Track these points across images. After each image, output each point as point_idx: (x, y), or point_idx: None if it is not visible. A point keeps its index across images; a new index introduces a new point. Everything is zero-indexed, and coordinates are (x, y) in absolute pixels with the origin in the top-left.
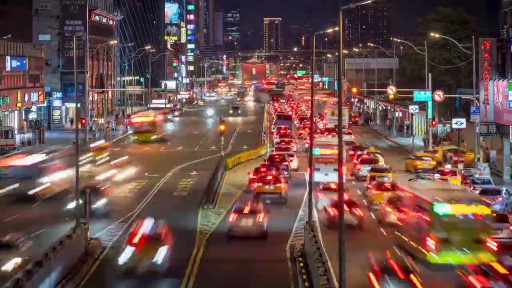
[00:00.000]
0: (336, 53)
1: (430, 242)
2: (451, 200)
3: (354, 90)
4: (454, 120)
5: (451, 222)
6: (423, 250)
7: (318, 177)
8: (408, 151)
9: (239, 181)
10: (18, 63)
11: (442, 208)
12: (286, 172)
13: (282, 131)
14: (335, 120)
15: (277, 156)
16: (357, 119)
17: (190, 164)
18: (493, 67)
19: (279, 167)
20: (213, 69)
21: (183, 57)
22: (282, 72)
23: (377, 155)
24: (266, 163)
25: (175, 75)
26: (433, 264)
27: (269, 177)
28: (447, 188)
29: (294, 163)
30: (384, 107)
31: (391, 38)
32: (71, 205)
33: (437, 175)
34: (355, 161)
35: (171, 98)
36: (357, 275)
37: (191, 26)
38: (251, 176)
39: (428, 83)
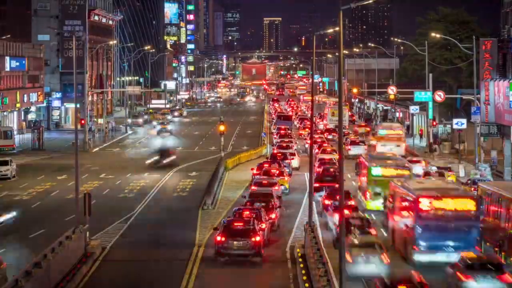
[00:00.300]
0: (337, 53)
1: (367, 194)
2: (382, 165)
3: (355, 90)
4: (455, 121)
5: (381, 180)
6: (364, 200)
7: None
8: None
9: (239, 182)
10: (17, 63)
11: (376, 171)
12: (288, 170)
13: (282, 132)
14: (336, 121)
15: (279, 154)
16: (353, 118)
17: (190, 164)
18: (494, 68)
19: (281, 164)
20: (213, 70)
21: (182, 57)
22: (282, 72)
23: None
24: (269, 160)
25: (175, 75)
26: (368, 210)
27: (273, 170)
28: (385, 157)
29: (295, 162)
30: (384, 108)
31: (392, 38)
32: None
33: (434, 168)
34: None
35: (172, 98)
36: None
37: (190, 26)
38: (254, 171)
39: (429, 84)
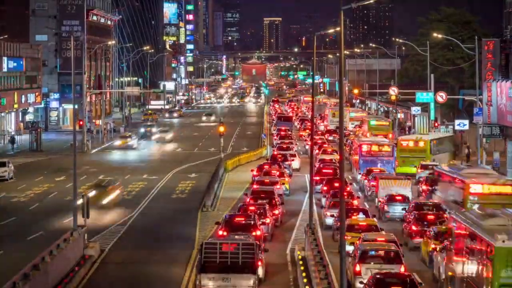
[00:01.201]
0: (337, 54)
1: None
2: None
3: (356, 91)
4: (457, 122)
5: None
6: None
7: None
8: None
9: (239, 183)
10: (15, 64)
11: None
12: (288, 171)
13: (282, 133)
14: (336, 122)
15: (280, 156)
16: None
17: (189, 166)
18: (496, 68)
19: (281, 166)
20: (213, 70)
21: (182, 58)
22: (282, 73)
23: None
24: (269, 161)
25: (174, 76)
26: None
27: (273, 171)
28: (378, 117)
29: (295, 163)
30: (386, 109)
31: (393, 39)
32: None
33: None
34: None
35: (169, 99)
36: None
37: (190, 26)
38: (254, 173)
39: (431, 84)
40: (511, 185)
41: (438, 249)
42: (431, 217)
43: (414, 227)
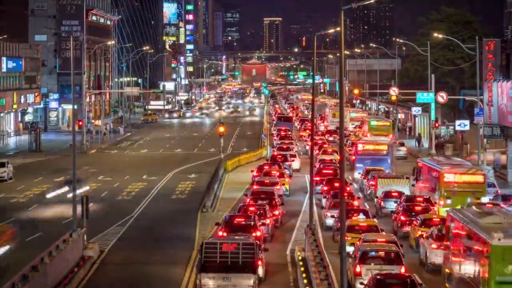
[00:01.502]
0: (338, 54)
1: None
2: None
3: (356, 91)
4: (457, 122)
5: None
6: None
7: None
8: None
9: (239, 184)
10: (14, 64)
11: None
12: (288, 171)
13: (282, 133)
14: (337, 122)
15: (280, 156)
16: None
17: (189, 166)
18: (497, 68)
19: (281, 166)
20: (212, 70)
21: (181, 58)
22: (282, 73)
23: None
24: (269, 162)
25: (174, 76)
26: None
27: (273, 172)
28: (378, 117)
29: (296, 164)
30: (386, 109)
31: (394, 39)
32: None
33: None
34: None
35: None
36: None
37: (190, 26)
38: (254, 173)
39: (431, 85)
40: (482, 175)
41: (424, 235)
42: (418, 208)
43: (402, 218)
